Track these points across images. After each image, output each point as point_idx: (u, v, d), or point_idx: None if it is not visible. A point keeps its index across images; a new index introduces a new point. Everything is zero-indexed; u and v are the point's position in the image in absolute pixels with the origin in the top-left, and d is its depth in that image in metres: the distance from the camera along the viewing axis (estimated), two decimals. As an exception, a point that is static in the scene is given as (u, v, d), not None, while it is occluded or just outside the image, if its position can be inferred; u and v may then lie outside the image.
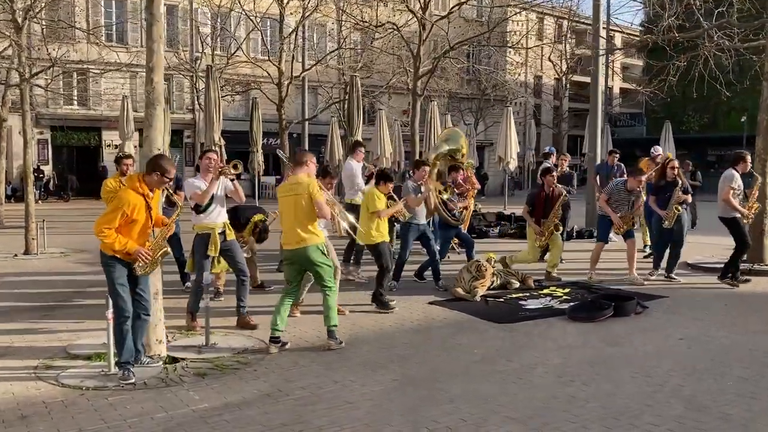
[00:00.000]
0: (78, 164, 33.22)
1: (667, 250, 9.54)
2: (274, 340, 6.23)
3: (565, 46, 42.13)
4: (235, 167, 6.93)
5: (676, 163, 8.94)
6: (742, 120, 39.45)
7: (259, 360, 5.93)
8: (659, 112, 47.86)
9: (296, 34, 22.87)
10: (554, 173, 10.05)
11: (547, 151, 13.20)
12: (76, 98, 31.01)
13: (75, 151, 33.30)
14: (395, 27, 17.63)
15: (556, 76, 45.36)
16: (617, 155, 13.88)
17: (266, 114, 25.37)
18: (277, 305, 6.33)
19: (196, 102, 30.83)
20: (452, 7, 18.46)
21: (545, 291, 8.82)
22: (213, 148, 17.84)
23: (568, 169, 13.44)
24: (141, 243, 5.52)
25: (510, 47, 27.23)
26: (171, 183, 5.90)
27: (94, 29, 24.45)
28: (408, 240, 8.93)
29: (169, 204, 7.54)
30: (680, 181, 8.93)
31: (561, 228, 9.80)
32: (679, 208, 8.91)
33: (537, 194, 9.84)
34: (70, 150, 33.25)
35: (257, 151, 24.25)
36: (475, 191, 12.17)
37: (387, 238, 8.20)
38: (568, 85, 44.62)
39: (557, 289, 8.89)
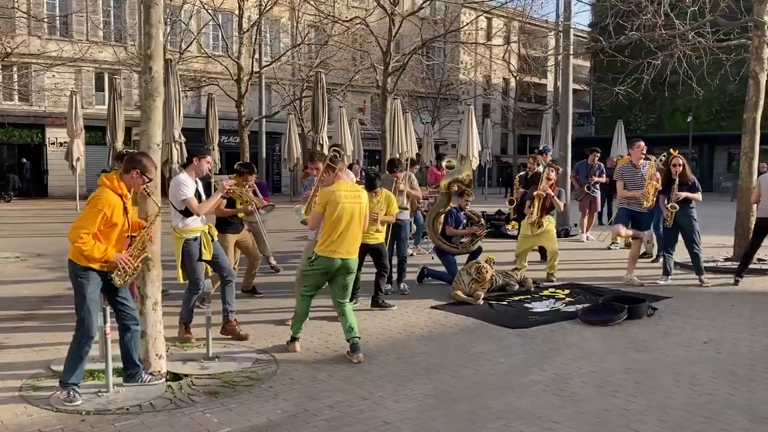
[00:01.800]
0: (19, 163, 31.66)
1: (664, 256, 9.32)
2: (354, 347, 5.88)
3: (520, 47, 42.37)
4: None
5: (680, 161, 8.72)
6: (688, 120, 40.47)
7: (270, 375, 5.44)
8: (607, 112, 48.83)
9: (257, 29, 22.17)
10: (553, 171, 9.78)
11: (542, 149, 13.02)
12: (17, 93, 29.49)
13: (16, 149, 31.71)
14: (364, 22, 17.16)
15: (510, 76, 45.58)
16: (598, 154, 13.80)
17: (220, 111, 24.55)
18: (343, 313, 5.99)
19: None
20: (423, 2, 18.13)
21: (546, 292, 8.55)
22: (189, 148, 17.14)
23: (540, 168, 13.31)
24: (118, 250, 4.97)
25: (483, 44, 27.05)
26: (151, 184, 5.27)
27: (37, 20, 23.33)
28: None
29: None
30: (676, 180, 8.70)
31: (552, 220, 9.61)
32: (676, 205, 8.67)
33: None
34: (11, 148, 31.66)
35: (214, 149, 23.51)
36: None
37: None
38: (518, 85, 44.88)
39: (557, 291, 8.63)
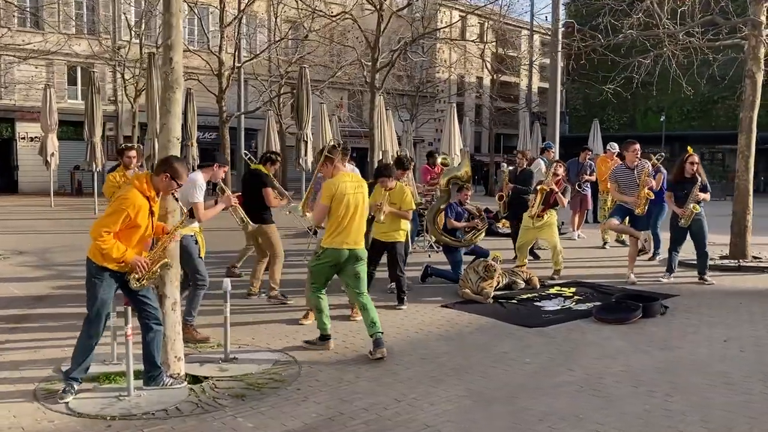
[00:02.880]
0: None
1: (670, 252, 9.31)
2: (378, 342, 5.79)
3: (497, 47, 42.45)
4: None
5: (696, 158, 8.69)
6: (662, 119, 41.04)
7: (294, 376, 5.27)
8: (581, 111, 49.35)
9: (238, 23, 21.82)
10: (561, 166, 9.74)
11: (544, 146, 13.00)
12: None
13: (-16, 144, 30.91)
14: (351, 17, 16.96)
15: (487, 74, 45.67)
16: (590, 152, 13.84)
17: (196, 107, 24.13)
18: (364, 305, 5.96)
19: (124, 93, 29.05)
20: (409, -1, 18.01)
21: (552, 290, 8.49)
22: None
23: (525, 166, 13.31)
24: (138, 252, 4.80)
25: (473, 42, 26.98)
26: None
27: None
28: None
29: None
30: (699, 178, 8.68)
31: (555, 214, 9.58)
32: (698, 206, 8.67)
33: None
34: (-21, 142, 30.85)
35: (192, 144, 23.14)
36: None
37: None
38: (494, 84, 45.01)
39: (563, 289, 8.58)
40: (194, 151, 23.15)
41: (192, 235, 6.38)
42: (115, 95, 31.50)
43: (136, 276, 4.75)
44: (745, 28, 11.67)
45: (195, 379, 5.22)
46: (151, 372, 4.97)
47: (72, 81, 31.15)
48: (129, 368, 4.80)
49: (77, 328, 6.25)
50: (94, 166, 19.97)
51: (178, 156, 5.08)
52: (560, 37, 15.88)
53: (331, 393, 4.89)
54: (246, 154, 10.41)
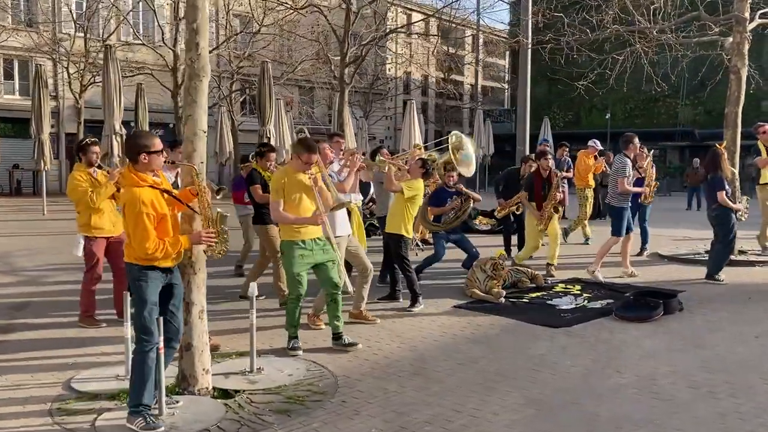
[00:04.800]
0: None
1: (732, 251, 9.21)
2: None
3: (447, 48, 42.56)
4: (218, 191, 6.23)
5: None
6: (607, 117, 41.90)
7: (332, 387, 4.89)
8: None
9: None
10: (549, 157, 9.59)
11: (541, 142, 12.87)
12: None
13: None
14: (320, 11, 16.50)
15: (434, 74, 45.76)
16: (567, 148, 13.80)
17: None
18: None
19: (69, 88, 27.68)
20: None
21: (558, 288, 8.32)
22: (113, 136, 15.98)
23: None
24: (175, 233, 4.32)
25: (436, 36, 26.71)
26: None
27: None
28: None
29: None
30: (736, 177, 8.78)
31: (560, 210, 9.38)
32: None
33: (533, 180, 9.35)
34: None
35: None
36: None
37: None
38: (444, 81, 45.17)
39: (568, 286, 8.42)
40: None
41: None
42: (56, 90, 30.02)
43: (211, 245, 4.50)
44: (714, 26, 11.85)
45: (224, 393, 4.79)
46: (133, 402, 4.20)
47: (8, 75, 29.58)
48: (161, 385, 4.34)
49: (71, 339, 5.81)
50: (42, 164, 18.88)
51: (138, 131, 4.60)
52: (530, 33, 15.79)
53: (381, 405, 4.54)
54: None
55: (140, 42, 22.85)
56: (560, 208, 9.32)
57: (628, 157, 8.97)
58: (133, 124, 22.25)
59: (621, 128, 43.16)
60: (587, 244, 12.29)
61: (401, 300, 7.60)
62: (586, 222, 12.56)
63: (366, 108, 36.45)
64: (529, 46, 15.85)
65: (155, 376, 4.24)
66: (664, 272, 9.53)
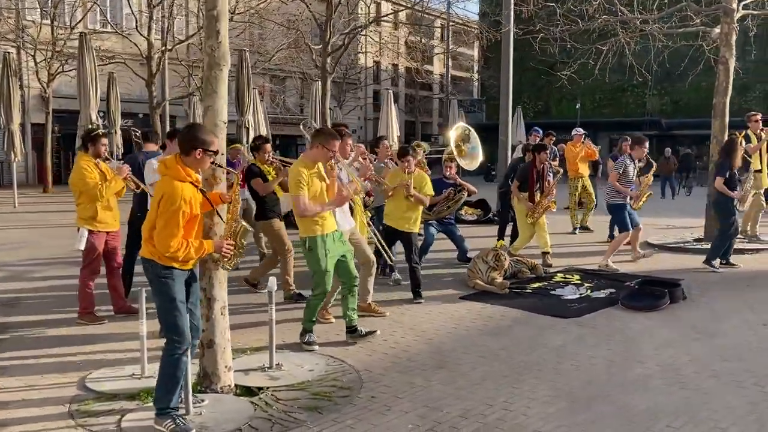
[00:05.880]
0: None
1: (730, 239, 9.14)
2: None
3: (420, 39, 42.40)
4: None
5: (754, 142, 8.88)
6: (577, 107, 42.27)
7: (357, 383, 4.81)
8: (497, 99, 50.08)
9: (171, 5, 20.59)
10: (547, 151, 9.59)
11: (532, 132, 12.85)
12: None
13: None
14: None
15: (404, 63, 45.60)
16: (553, 137, 13.81)
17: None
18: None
19: (36, 77, 26.87)
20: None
21: (558, 278, 8.33)
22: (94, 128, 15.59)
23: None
24: (197, 236, 4.16)
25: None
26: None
27: None
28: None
29: None
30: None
31: (554, 206, 9.40)
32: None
33: (528, 171, 9.33)
34: None
35: (116, 132, 21.79)
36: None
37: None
38: (422, 71, 45.01)
39: (568, 276, 8.44)
40: (118, 139, 21.82)
41: None
42: (20, 79, 29.14)
43: (227, 258, 4.29)
44: (695, 17, 11.99)
45: (247, 391, 4.67)
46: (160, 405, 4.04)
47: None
48: (187, 384, 4.21)
49: (74, 337, 5.64)
50: (12, 155, 18.36)
51: (198, 124, 4.40)
52: (512, 20, 15.76)
53: (411, 400, 4.46)
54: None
55: (112, 30, 22.17)
56: (554, 205, 9.34)
57: (632, 159, 9.07)
58: (104, 114, 21.81)
59: (590, 118, 43.78)
60: (575, 233, 12.37)
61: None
62: (575, 212, 12.62)
63: (340, 98, 36.19)
64: (512, 34, 15.82)
65: (185, 376, 4.12)
66: (656, 261, 9.61)
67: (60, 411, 4.30)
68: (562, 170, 13.00)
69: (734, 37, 10.64)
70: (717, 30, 11.18)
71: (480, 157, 9.00)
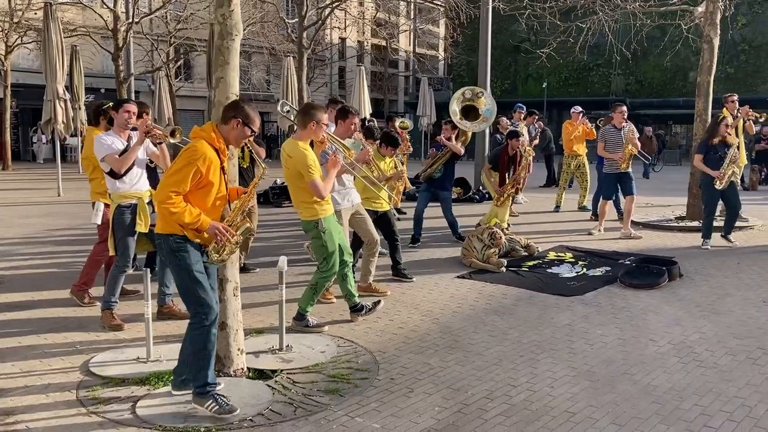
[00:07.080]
0: None
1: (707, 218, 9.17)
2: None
3: (388, 16, 42.04)
4: (173, 134, 5.39)
5: (730, 121, 8.84)
6: (544, 86, 42.44)
7: (373, 364, 4.69)
8: (464, 77, 50.02)
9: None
10: (521, 138, 9.53)
11: (516, 108, 12.77)
12: None
13: None
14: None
15: (369, 40, 45.20)
16: (537, 116, 13.81)
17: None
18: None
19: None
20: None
21: (551, 257, 8.31)
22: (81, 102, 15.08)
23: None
24: (215, 219, 3.98)
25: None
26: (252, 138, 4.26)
27: None
28: None
29: None
30: (736, 141, 8.82)
31: (520, 192, 9.59)
32: (736, 170, 8.70)
33: (500, 155, 9.44)
34: None
35: (80, 108, 21.12)
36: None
37: None
38: (389, 49, 44.70)
39: (560, 254, 8.43)
40: (82, 114, 21.15)
41: (129, 205, 5.51)
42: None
43: (216, 246, 3.93)
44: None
45: (260, 374, 4.52)
46: (186, 374, 4.03)
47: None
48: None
49: (66, 320, 5.47)
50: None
51: (247, 100, 4.21)
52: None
53: (432, 382, 4.37)
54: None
55: (74, 1, 21.37)
56: (520, 192, 9.52)
57: (615, 127, 9.24)
58: (66, 88, 21.10)
59: (556, 97, 44.02)
60: (557, 211, 12.38)
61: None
62: (563, 191, 12.59)
63: (308, 75, 35.69)
64: (489, 12, 15.71)
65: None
66: (645, 239, 9.63)
67: (67, 398, 4.10)
68: (533, 154, 13.02)
69: (719, 16, 10.67)
70: (700, 9, 11.20)
71: (485, 124, 9.13)
